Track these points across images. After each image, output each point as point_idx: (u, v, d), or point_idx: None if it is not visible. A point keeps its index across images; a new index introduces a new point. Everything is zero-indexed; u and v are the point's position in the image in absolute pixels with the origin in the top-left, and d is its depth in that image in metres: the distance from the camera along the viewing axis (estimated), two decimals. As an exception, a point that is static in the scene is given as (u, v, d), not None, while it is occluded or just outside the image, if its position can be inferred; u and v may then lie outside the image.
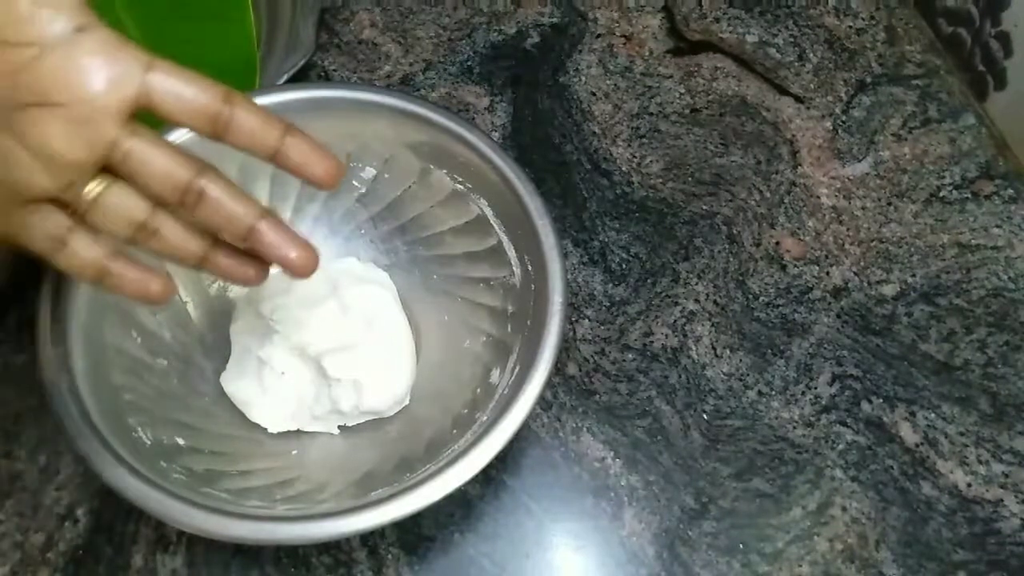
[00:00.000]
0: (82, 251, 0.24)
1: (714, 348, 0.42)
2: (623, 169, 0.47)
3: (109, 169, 0.23)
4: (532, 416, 0.36)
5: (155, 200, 0.24)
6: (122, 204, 0.24)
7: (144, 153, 0.23)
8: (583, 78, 0.51)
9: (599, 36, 0.53)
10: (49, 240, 0.24)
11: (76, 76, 0.22)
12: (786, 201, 0.47)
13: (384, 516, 0.29)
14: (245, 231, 0.25)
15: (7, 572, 0.35)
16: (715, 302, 0.43)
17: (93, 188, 0.23)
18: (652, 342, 0.42)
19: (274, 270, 0.27)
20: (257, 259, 0.27)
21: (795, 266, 0.44)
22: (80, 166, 0.23)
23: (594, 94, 0.50)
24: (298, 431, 0.36)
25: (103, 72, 0.22)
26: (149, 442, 0.32)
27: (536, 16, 0.53)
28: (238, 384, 0.36)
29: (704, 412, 0.40)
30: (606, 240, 0.45)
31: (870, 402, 0.40)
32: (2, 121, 0.22)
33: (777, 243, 0.45)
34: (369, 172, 0.39)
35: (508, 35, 0.53)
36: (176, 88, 0.23)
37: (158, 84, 0.23)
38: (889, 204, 0.47)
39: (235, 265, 0.26)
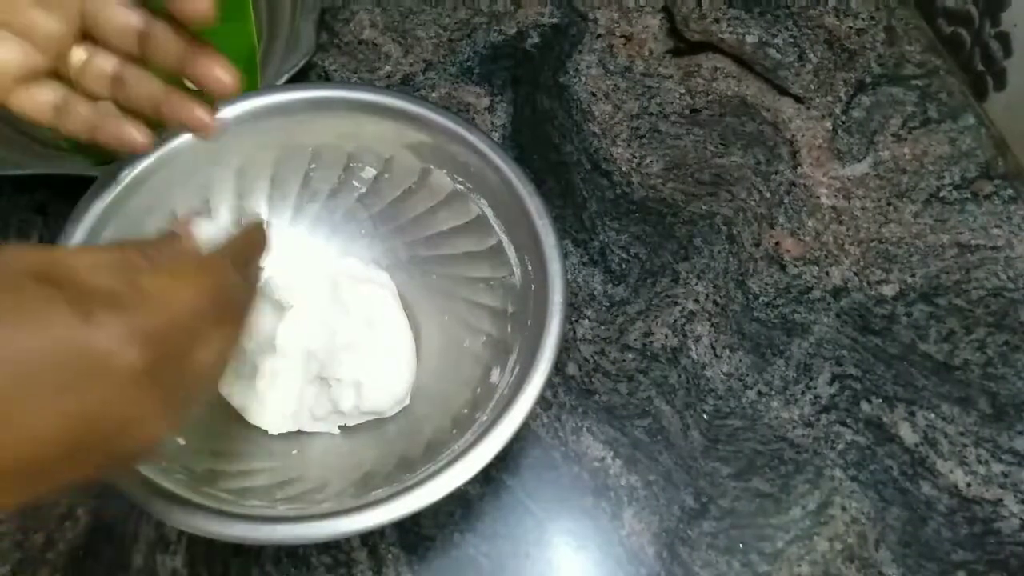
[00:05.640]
0: (81, 111, 0.29)
1: (714, 348, 0.42)
2: (623, 169, 0.47)
3: (87, 37, 0.28)
4: (532, 416, 0.36)
5: (122, 55, 0.29)
6: (99, 63, 0.29)
7: (103, 8, 0.28)
8: (583, 78, 0.51)
9: (599, 36, 0.53)
10: (53, 109, 0.29)
11: None
12: (786, 201, 0.47)
13: (384, 516, 0.29)
14: (180, 55, 0.29)
15: (8, 572, 0.35)
16: (715, 302, 0.43)
17: (79, 56, 0.28)
18: (652, 342, 0.42)
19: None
20: (205, 104, 0.30)
21: (795, 266, 0.45)
22: (61, 37, 0.28)
23: (594, 94, 0.50)
24: (298, 431, 0.36)
25: None
26: (149, 442, 0.31)
27: (536, 16, 0.54)
28: (235, 388, 0.36)
29: (704, 412, 0.40)
30: (606, 240, 0.45)
31: (870, 402, 0.40)
32: None
33: (777, 243, 0.45)
34: (369, 172, 0.39)
35: (508, 35, 0.53)
36: None
37: None
38: (889, 204, 0.47)
39: (187, 103, 0.30)
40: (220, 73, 0.29)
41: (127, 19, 0.28)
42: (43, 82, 0.28)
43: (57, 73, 0.29)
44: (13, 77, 0.27)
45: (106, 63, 0.29)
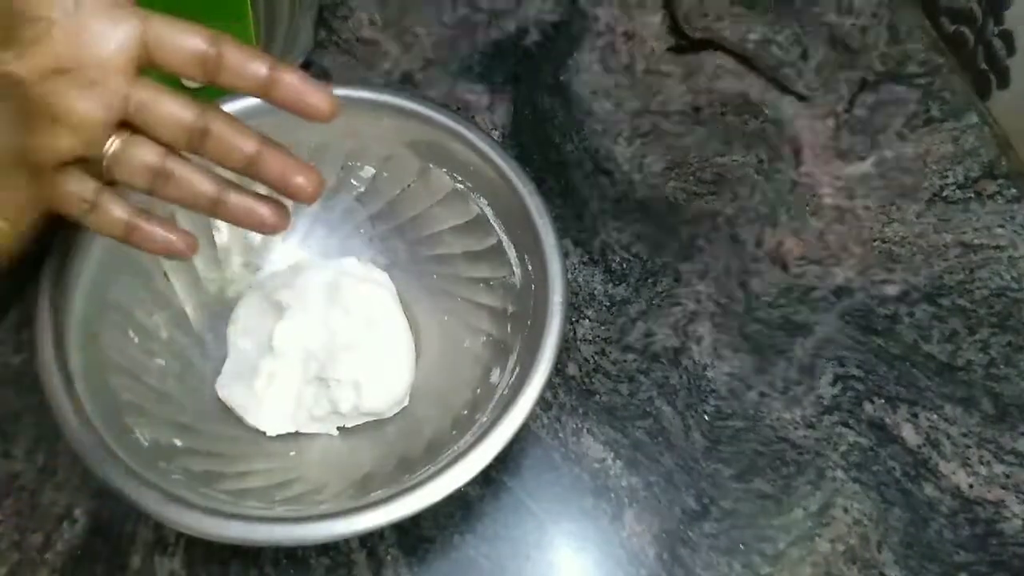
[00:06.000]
0: (111, 209, 0.26)
1: (715, 349, 0.41)
2: (624, 168, 0.47)
3: (125, 123, 0.25)
4: (532, 416, 0.36)
5: (167, 145, 0.26)
6: (138, 153, 0.25)
7: (152, 101, 0.25)
8: (584, 76, 0.51)
9: (600, 34, 0.53)
10: (80, 202, 0.26)
11: (85, 41, 0.24)
12: (788, 200, 0.46)
13: (383, 517, 0.29)
14: (247, 159, 0.26)
15: (5, 572, 0.34)
16: (716, 302, 0.43)
17: (112, 143, 0.25)
18: (653, 342, 0.42)
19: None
20: (271, 201, 0.27)
21: (797, 266, 0.44)
22: (99, 124, 0.24)
23: (595, 92, 0.50)
24: (297, 432, 0.36)
25: (107, 34, 0.24)
26: (147, 443, 0.31)
27: (537, 14, 0.53)
28: (233, 389, 0.36)
29: (705, 413, 0.40)
30: (607, 239, 0.45)
31: (872, 403, 0.40)
32: (23, 93, 0.24)
33: (779, 243, 0.45)
34: (368, 171, 0.39)
35: (508, 33, 0.52)
36: (169, 37, 0.25)
37: (154, 36, 0.24)
38: (892, 204, 0.46)
39: (248, 204, 0.26)
40: (300, 181, 0.25)
41: (180, 114, 0.25)
42: (71, 171, 0.25)
43: (84, 160, 0.25)
44: (42, 167, 0.24)
45: (148, 154, 0.25)
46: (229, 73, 0.25)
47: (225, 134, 0.25)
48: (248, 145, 0.26)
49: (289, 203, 0.27)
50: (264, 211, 0.26)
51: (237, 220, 0.27)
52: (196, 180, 0.26)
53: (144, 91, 0.25)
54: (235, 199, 0.26)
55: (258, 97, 0.25)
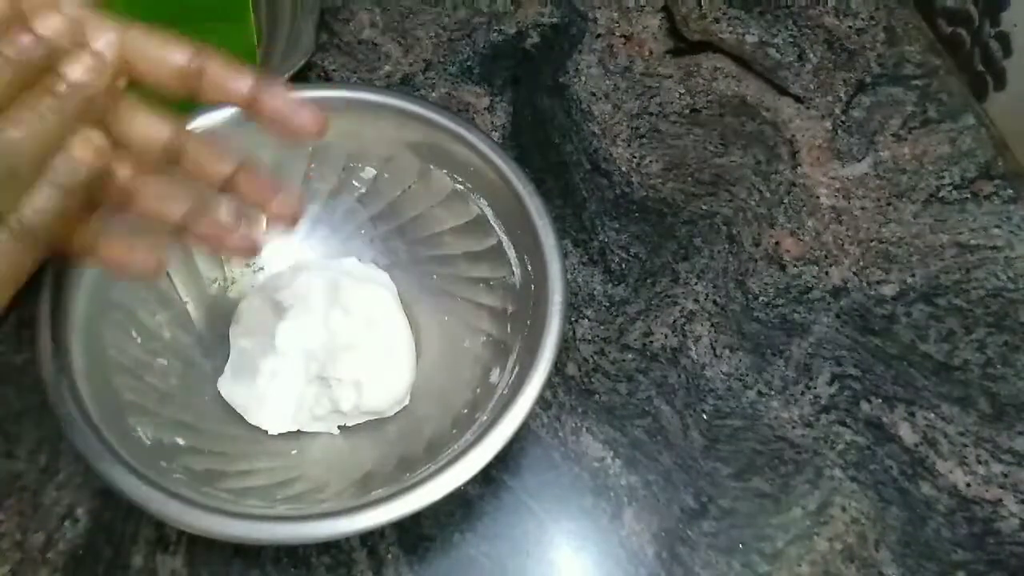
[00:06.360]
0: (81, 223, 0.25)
1: (713, 348, 0.42)
2: (623, 169, 0.47)
3: None
4: (532, 416, 0.36)
5: (143, 161, 0.25)
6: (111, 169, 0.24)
7: (127, 117, 0.24)
8: (583, 78, 0.51)
9: (599, 36, 0.53)
10: (46, 214, 0.24)
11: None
12: (786, 201, 0.47)
13: (384, 516, 0.29)
14: (223, 181, 0.25)
15: (7, 572, 0.35)
16: (714, 302, 0.43)
17: None
18: (652, 342, 0.42)
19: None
20: (239, 230, 0.26)
21: (794, 266, 0.45)
22: None
23: (594, 94, 0.50)
24: (298, 431, 0.36)
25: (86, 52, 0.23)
26: (149, 442, 0.32)
27: (536, 16, 0.54)
28: (235, 388, 0.36)
29: (704, 412, 0.40)
30: (606, 240, 0.45)
31: (869, 402, 0.40)
32: None
33: (776, 243, 0.45)
34: (369, 172, 0.39)
35: (508, 35, 0.53)
36: (149, 49, 0.24)
37: (132, 48, 0.24)
38: (888, 204, 0.47)
39: (215, 233, 0.26)
40: (275, 208, 0.25)
41: (155, 132, 0.24)
42: (36, 186, 0.23)
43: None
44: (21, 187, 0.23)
45: (118, 170, 0.24)
46: (211, 89, 0.24)
47: (201, 155, 0.25)
48: (224, 168, 0.25)
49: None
50: (233, 241, 0.25)
51: (210, 244, 0.26)
52: (165, 195, 0.25)
53: (120, 106, 0.24)
54: (208, 222, 0.25)
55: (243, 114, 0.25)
